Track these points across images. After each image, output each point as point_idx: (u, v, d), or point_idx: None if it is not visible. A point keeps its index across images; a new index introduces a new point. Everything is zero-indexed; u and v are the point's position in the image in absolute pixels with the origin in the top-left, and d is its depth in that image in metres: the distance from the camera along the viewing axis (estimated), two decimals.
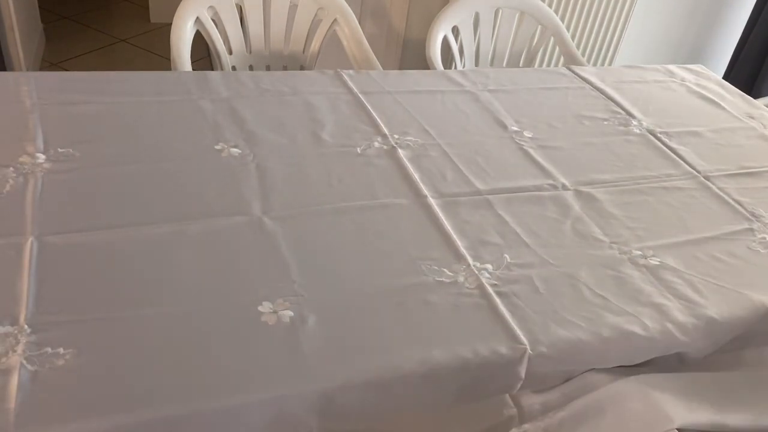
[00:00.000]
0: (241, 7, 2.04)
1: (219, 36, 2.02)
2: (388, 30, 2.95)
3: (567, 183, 1.50)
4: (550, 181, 1.50)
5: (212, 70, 1.88)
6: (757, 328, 1.24)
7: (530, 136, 1.66)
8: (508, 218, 1.35)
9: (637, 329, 1.14)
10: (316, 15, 2.13)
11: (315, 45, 2.16)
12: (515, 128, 1.69)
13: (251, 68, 2.12)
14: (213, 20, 2.01)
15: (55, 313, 1.00)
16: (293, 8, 2.11)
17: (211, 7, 1.98)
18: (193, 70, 1.86)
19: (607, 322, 1.14)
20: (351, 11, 2.13)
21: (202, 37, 2.02)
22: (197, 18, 1.97)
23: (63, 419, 0.86)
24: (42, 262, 1.08)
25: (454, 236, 1.28)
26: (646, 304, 1.19)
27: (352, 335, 1.04)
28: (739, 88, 2.15)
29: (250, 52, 2.11)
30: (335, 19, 2.13)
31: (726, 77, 3.38)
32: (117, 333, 0.99)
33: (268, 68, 2.15)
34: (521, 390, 1.10)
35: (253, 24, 2.08)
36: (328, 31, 2.14)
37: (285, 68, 2.16)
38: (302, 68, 2.17)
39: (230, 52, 2.08)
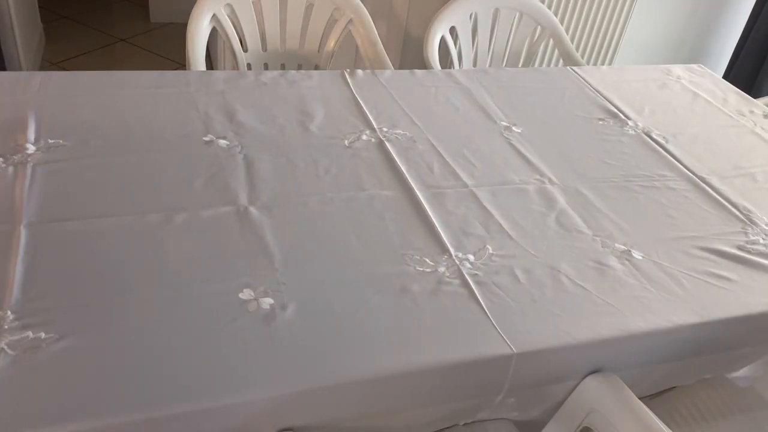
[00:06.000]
0: (257, 4, 2.06)
1: (235, 33, 2.04)
2: (388, 30, 2.96)
3: (554, 178, 1.50)
4: (537, 176, 1.50)
5: (211, 69, 1.88)
6: (745, 328, 1.24)
7: (519, 131, 1.67)
8: (492, 210, 1.36)
9: (616, 320, 1.14)
10: (331, 15, 2.14)
11: (330, 45, 2.17)
12: (504, 123, 1.70)
13: (266, 66, 2.13)
14: (229, 18, 2.02)
15: (40, 300, 1.01)
16: (309, 7, 2.12)
17: (228, 4, 1.99)
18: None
19: (586, 312, 1.15)
20: (366, 12, 2.14)
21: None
22: (213, 15, 1.98)
23: (41, 404, 0.87)
24: (30, 251, 1.09)
25: (438, 227, 1.29)
26: (627, 296, 1.20)
27: (330, 324, 1.05)
28: (740, 88, 2.15)
29: (266, 51, 2.12)
30: (351, 20, 2.14)
31: (726, 76, 3.37)
32: (100, 319, 1.00)
33: (282, 67, 2.16)
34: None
35: (269, 22, 2.09)
36: (343, 31, 2.15)
37: (300, 67, 2.17)
38: (317, 67, 2.18)
39: (245, 50, 2.09)
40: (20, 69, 2.94)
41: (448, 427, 1.19)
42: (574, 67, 2.09)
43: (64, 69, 3.32)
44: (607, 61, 3.17)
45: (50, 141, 1.36)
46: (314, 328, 1.04)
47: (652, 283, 1.24)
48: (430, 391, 1.06)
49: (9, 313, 0.98)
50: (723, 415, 1.43)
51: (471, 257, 1.22)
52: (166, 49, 3.70)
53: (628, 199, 1.47)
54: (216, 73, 1.73)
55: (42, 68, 3.33)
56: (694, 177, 1.59)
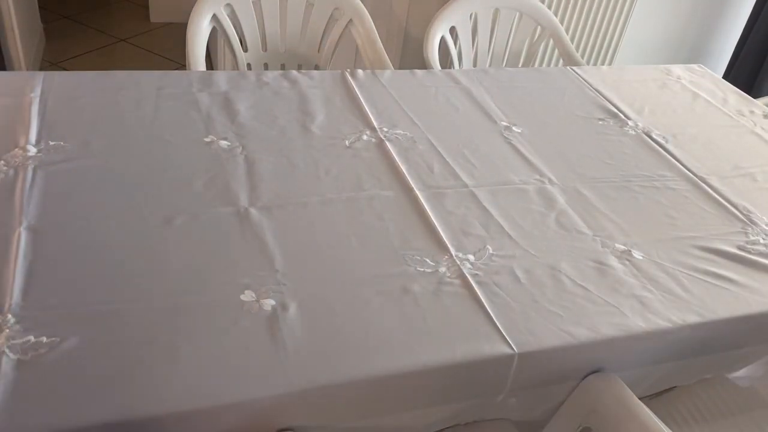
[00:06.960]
0: (257, 4, 2.06)
1: (235, 33, 2.04)
2: (388, 30, 2.96)
3: (554, 178, 1.50)
4: (537, 176, 1.50)
5: (211, 68, 1.89)
6: (745, 328, 1.24)
7: (519, 131, 1.67)
8: (492, 210, 1.36)
9: (617, 320, 1.14)
10: (331, 15, 2.14)
11: (330, 44, 2.18)
12: (504, 123, 1.70)
13: (266, 67, 2.14)
14: (229, 18, 2.03)
15: (41, 303, 1.01)
16: (309, 7, 2.13)
17: (228, 4, 2.00)
18: None
19: (587, 312, 1.15)
20: (366, 12, 2.15)
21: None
22: (213, 15, 1.99)
23: (43, 407, 0.87)
24: (29, 253, 1.09)
25: (438, 228, 1.29)
26: (627, 296, 1.20)
27: (332, 324, 1.05)
28: (740, 88, 2.14)
29: (266, 51, 2.13)
30: (350, 20, 2.14)
31: (726, 77, 3.37)
32: (101, 322, 0.99)
33: (282, 67, 2.17)
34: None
35: (269, 22, 2.10)
36: (343, 31, 2.16)
37: (299, 67, 2.17)
38: (317, 67, 2.18)
39: (245, 50, 2.10)
40: (20, 69, 2.94)
41: (448, 427, 1.19)
42: (574, 67, 2.09)
43: (64, 69, 3.32)
44: (607, 61, 3.17)
45: (51, 143, 1.36)
46: (315, 329, 1.04)
47: (653, 282, 1.24)
48: (431, 391, 1.06)
49: (10, 316, 0.98)
50: (723, 415, 1.43)
51: (471, 257, 1.23)
52: (166, 49, 3.70)
53: (628, 199, 1.47)
54: (218, 74, 1.73)
55: (42, 68, 3.33)
56: (694, 177, 1.59)
